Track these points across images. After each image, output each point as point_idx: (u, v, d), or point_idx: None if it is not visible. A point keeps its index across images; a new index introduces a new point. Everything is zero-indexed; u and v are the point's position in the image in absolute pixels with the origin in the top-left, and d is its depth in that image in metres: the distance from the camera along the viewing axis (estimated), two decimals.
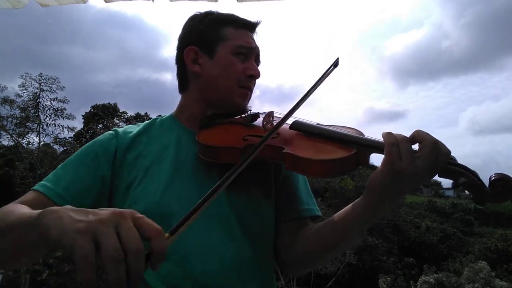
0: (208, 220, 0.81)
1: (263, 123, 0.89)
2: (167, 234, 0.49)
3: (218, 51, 0.92)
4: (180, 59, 0.97)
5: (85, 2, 1.46)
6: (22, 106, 13.32)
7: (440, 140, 0.65)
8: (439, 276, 15.06)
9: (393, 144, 0.64)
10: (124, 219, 0.46)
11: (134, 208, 0.79)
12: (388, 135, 0.67)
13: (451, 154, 0.65)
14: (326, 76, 0.86)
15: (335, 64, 0.89)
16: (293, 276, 14.12)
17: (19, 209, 0.65)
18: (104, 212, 0.47)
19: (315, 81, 0.84)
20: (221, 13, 0.96)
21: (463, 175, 0.64)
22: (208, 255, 0.79)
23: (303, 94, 0.81)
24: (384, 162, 0.65)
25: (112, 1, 1.47)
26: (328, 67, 0.88)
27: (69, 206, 0.50)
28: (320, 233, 0.84)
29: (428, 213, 33.42)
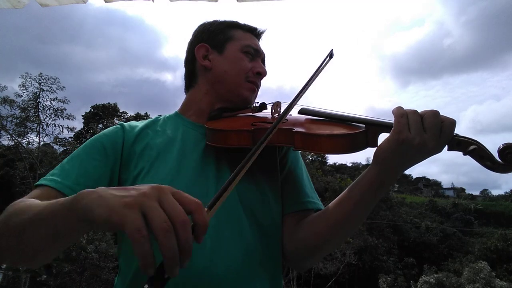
0: (217, 212, 0.80)
1: (271, 111, 0.91)
2: (206, 209, 0.50)
3: (227, 48, 0.97)
4: (190, 57, 1.01)
5: (85, 2, 1.46)
6: (22, 106, 13.31)
7: None
8: (439, 276, 15.02)
9: (402, 115, 0.67)
10: (165, 194, 0.47)
11: None
12: (397, 108, 0.69)
13: (455, 124, 0.66)
14: (323, 68, 0.90)
15: (330, 55, 0.92)
16: (293, 276, 14.12)
17: (36, 202, 0.63)
18: (144, 187, 0.48)
19: (312, 73, 0.88)
20: (228, 20, 1.02)
21: (473, 144, 0.65)
22: (217, 249, 0.77)
23: (304, 84, 0.84)
24: (392, 131, 0.67)
25: (112, 1, 1.46)
26: (323, 59, 0.91)
27: (103, 187, 0.51)
28: (323, 216, 0.84)
29: (428, 213, 33.41)
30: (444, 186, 65.05)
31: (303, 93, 0.82)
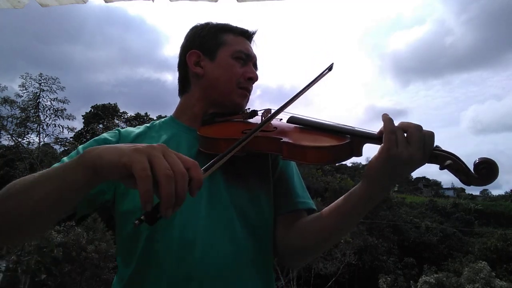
0: (209, 213, 0.83)
1: (261, 119, 0.93)
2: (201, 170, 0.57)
3: (219, 54, 0.98)
4: (182, 63, 1.02)
5: (85, 2, 1.46)
6: (22, 106, 13.31)
7: (441, 139, 0.68)
8: (439, 276, 15.01)
9: (392, 132, 0.69)
10: (168, 150, 0.55)
11: (137, 203, 0.82)
12: (388, 122, 0.71)
13: (435, 142, 0.70)
14: (320, 78, 0.93)
15: (330, 68, 0.96)
16: (293, 276, 14.12)
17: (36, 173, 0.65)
18: (151, 144, 0.55)
19: (309, 82, 0.91)
20: (220, 23, 1.03)
21: (449, 158, 0.68)
22: (209, 248, 0.79)
23: (298, 92, 0.89)
24: (382, 148, 0.70)
25: (112, 1, 1.46)
26: (322, 70, 0.94)
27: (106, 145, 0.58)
28: (315, 221, 0.87)
29: (428, 213, 33.39)
30: (444, 186, 65.04)
31: (295, 100, 0.87)
